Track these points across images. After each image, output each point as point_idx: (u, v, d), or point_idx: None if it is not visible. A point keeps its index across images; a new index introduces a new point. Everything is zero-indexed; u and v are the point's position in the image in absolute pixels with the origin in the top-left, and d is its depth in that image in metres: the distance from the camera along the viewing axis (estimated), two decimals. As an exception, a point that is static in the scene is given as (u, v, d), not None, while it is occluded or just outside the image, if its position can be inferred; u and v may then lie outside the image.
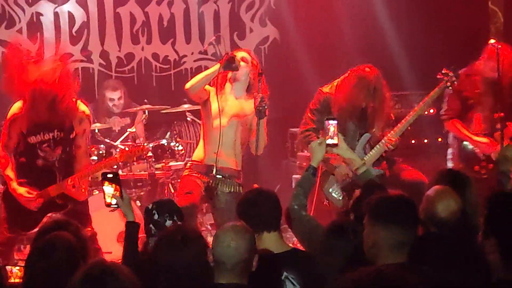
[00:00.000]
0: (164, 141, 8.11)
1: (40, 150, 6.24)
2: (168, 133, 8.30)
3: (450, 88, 6.87)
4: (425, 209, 4.32)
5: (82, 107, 6.35)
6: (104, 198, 4.78)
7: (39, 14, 9.27)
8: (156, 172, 8.02)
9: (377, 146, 6.69)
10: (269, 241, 4.40)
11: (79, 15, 9.36)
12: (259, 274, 3.89)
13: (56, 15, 9.32)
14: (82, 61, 9.41)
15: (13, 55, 6.43)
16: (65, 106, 6.16)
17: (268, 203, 4.52)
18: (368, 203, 3.99)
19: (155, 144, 8.04)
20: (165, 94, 9.22)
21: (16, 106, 6.25)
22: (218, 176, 6.50)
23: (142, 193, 8.14)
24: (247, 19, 9.85)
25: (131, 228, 4.69)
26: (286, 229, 5.20)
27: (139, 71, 9.62)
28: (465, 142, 7.25)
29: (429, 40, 9.48)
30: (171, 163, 8.03)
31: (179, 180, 7.18)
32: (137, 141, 8.12)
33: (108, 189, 4.75)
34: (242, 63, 6.51)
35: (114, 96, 8.52)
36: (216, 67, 6.50)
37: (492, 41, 7.41)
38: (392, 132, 6.70)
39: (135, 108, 8.39)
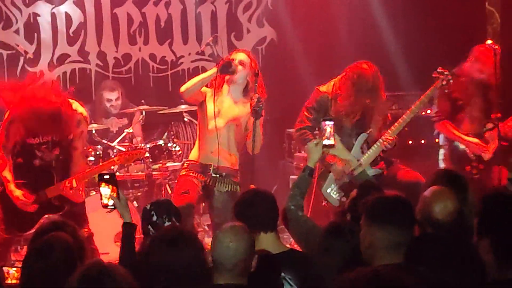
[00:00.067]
0: (161, 142, 8.10)
1: (37, 151, 6.24)
2: (165, 134, 8.29)
3: (446, 86, 6.92)
4: (422, 209, 4.32)
5: (80, 108, 6.35)
6: (101, 199, 4.77)
7: (36, 15, 9.26)
8: (153, 172, 8.02)
9: (375, 146, 6.71)
10: (266, 241, 4.40)
11: (76, 16, 9.36)
12: (258, 274, 3.90)
13: (53, 15, 9.32)
14: (79, 61, 9.40)
15: None
16: (65, 118, 6.18)
17: (265, 204, 4.52)
18: (365, 204, 3.99)
19: (152, 145, 8.04)
20: (162, 95, 9.22)
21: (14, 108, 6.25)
22: (215, 175, 6.51)
23: (139, 194, 8.13)
24: (244, 19, 9.85)
25: (128, 229, 4.68)
26: (283, 229, 5.20)
27: (136, 71, 9.61)
28: (455, 143, 7.32)
29: (426, 41, 9.49)
30: (168, 164, 8.03)
31: (176, 181, 7.19)
32: (134, 140, 8.12)
33: (105, 190, 4.74)
34: (239, 67, 6.52)
35: (112, 97, 8.52)
36: (212, 71, 6.51)
37: (489, 41, 7.44)
38: (389, 131, 6.72)
39: (132, 109, 8.39)
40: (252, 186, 5.91)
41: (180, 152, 8.20)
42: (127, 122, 8.50)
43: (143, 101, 8.32)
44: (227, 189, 6.53)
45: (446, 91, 7.16)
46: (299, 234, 4.96)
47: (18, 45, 8.86)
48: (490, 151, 7.25)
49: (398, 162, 7.00)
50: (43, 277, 3.69)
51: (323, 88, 6.89)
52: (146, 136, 8.60)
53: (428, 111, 7.88)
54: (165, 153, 8.06)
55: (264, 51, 9.90)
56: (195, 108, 6.98)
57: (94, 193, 7.43)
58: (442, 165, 7.46)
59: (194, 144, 6.96)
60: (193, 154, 6.68)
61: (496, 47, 7.28)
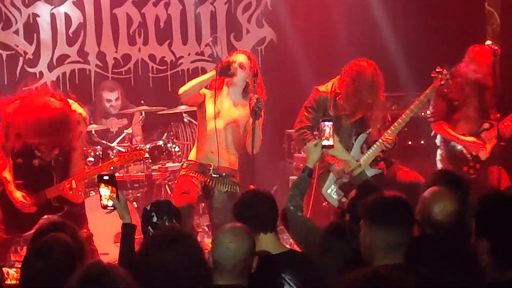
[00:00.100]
0: (160, 142, 8.11)
1: (37, 150, 6.23)
2: (165, 134, 8.30)
3: (445, 85, 6.94)
4: (421, 210, 4.32)
5: (79, 109, 6.36)
6: (101, 200, 4.77)
7: (35, 15, 9.26)
8: (153, 173, 8.02)
9: (374, 146, 6.71)
10: (265, 242, 4.40)
11: (76, 16, 9.35)
12: (259, 275, 3.90)
13: (53, 16, 9.31)
14: (78, 62, 9.40)
15: None
16: (66, 122, 6.18)
17: (265, 204, 4.52)
18: (364, 204, 3.99)
19: (151, 145, 8.04)
20: (161, 95, 9.22)
21: (12, 107, 6.24)
22: (215, 175, 6.51)
23: (138, 194, 8.14)
24: (244, 20, 9.85)
25: (127, 230, 4.68)
26: (283, 230, 5.20)
27: (136, 72, 9.61)
28: (452, 143, 7.34)
29: (426, 42, 9.49)
30: (168, 164, 8.04)
31: (175, 181, 7.19)
32: (134, 140, 8.12)
33: (104, 191, 4.74)
34: (239, 70, 6.52)
35: (111, 97, 8.52)
36: (210, 73, 6.53)
37: (488, 42, 7.45)
38: (388, 131, 6.72)
39: (132, 109, 8.39)
40: (252, 186, 5.91)
41: (180, 152, 8.21)
42: (127, 122, 8.51)
43: (142, 101, 8.33)
44: (226, 189, 6.54)
45: (445, 90, 7.19)
46: (298, 235, 4.96)
47: (17, 46, 8.86)
48: (487, 150, 7.27)
49: (397, 162, 7.00)
50: (43, 277, 3.69)
51: (322, 88, 6.89)
52: (146, 136, 8.61)
53: (428, 112, 7.88)
54: (164, 153, 8.07)
55: (263, 52, 9.89)
56: (194, 108, 6.98)
57: (94, 193, 7.43)
58: (439, 165, 7.49)
59: (193, 144, 6.97)
60: (193, 155, 6.69)
61: (496, 47, 7.30)
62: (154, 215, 4.64)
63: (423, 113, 7.54)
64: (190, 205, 6.37)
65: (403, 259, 3.80)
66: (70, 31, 9.36)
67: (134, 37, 9.54)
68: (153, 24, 9.59)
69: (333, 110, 6.77)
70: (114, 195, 4.70)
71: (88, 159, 7.52)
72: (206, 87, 6.59)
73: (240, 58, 6.60)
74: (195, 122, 7.78)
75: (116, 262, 4.52)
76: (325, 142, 5.25)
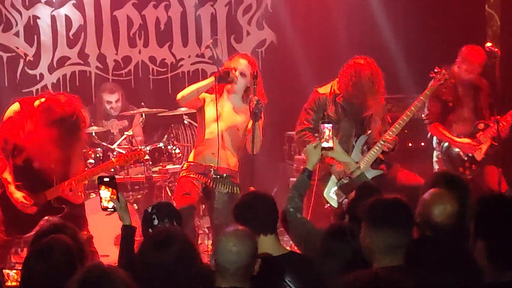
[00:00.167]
0: (161, 144, 8.11)
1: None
2: (165, 136, 8.30)
3: (444, 85, 6.95)
4: (421, 212, 4.32)
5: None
6: (101, 202, 4.77)
7: (36, 17, 9.27)
8: (153, 175, 8.01)
9: (375, 147, 6.71)
10: (266, 244, 4.39)
11: (76, 18, 9.36)
12: (261, 277, 3.90)
13: (53, 18, 9.32)
14: (79, 64, 9.41)
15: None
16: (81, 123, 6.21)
17: (265, 206, 4.52)
18: (364, 206, 3.99)
19: (152, 147, 8.05)
20: (162, 97, 9.21)
21: (12, 110, 6.25)
22: (215, 176, 6.52)
23: (139, 196, 8.14)
24: (244, 22, 9.85)
25: (127, 231, 4.68)
26: (283, 232, 5.20)
27: (136, 74, 9.62)
28: (447, 145, 7.36)
29: (426, 43, 9.50)
30: (168, 166, 8.04)
31: (176, 183, 7.19)
32: (134, 142, 8.13)
33: (105, 193, 4.74)
34: (240, 78, 6.52)
35: (112, 99, 8.52)
36: (209, 80, 6.54)
37: (488, 44, 7.46)
38: (389, 131, 6.73)
39: (132, 111, 8.40)
40: (252, 188, 5.91)
41: (180, 154, 8.21)
42: (127, 124, 8.51)
43: (143, 103, 8.33)
44: (227, 190, 6.55)
45: (444, 89, 7.20)
46: (298, 236, 4.96)
47: (18, 48, 8.86)
48: (482, 151, 7.28)
49: (398, 165, 7.00)
50: (43, 279, 3.69)
51: (321, 90, 6.90)
52: (146, 138, 8.61)
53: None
54: (165, 155, 8.08)
55: (264, 54, 9.90)
56: (195, 110, 6.99)
57: (94, 195, 7.43)
58: (436, 167, 7.52)
59: (193, 146, 6.97)
60: (193, 156, 6.69)
61: (496, 49, 7.31)
62: (155, 217, 4.63)
63: (423, 115, 7.56)
64: (191, 206, 6.39)
65: (403, 261, 3.80)
66: (71, 33, 9.36)
67: (134, 39, 9.55)
68: (153, 26, 9.59)
69: (333, 111, 6.77)
70: (115, 197, 4.71)
71: (88, 161, 7.53)
72: (206, 91, 6.59)
73: (241, 66, 6.57)
74: (195, 124, 7.79)
75: (116, 264, 4.52)
76: (324, 144, 5.25)
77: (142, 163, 7.94)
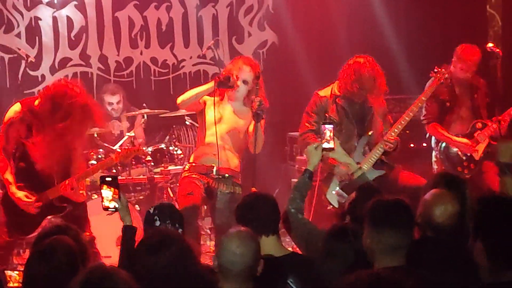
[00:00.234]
0: (163, 145, 8.12)
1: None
2: (167, 137, 8.30)
3: (444, 83, 6.98)
4: (422, 213, 4.32)
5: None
6: (102, 201, 4.77)
7: (37, 19, 9.28)
8: (155, 176, 8.02)
9: (377, 148, 6.71)
10: (267, 245, 4.39)
11: (78, 20, 9.37)
12: (264, 278, 3.90)
13: (55, 19, 9.33)
14: (80, 65, 9.41)
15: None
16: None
17: (266, 207, 4.52)
18: (365, 207, 4.00)
19: (154, 148, 8.05)
20: (163, 98, 9.21)
21: (13, 110, 6.25)
22: (217, 176, 6.52)
23: (141, 197, 8.14)
24: (246, 23, 9.86)
25: (128, 232, 4.68)
26: (285, 233, 5.20)
27: (138, 75, 9.63)
28: (443, 144, 7.38)
29: (427, 44, 9.50)
30: (170, 167, 8.04)
31: (178, 184, 7.19)
32: (135, 143, 8.12)
33: (106, 192, 4.73)
34: (242, 86, 6.52)
35: (113, 100, 8.52)
36: (209, 85, 6.54)
37: (490, 44, 7.47)
38: (390, 131, 6.74)
39: (134, 112, 8.40)
40: (254, 189, 5.92)
41: (182, 155, 8.21)
42: (129, 125, 8.51)
43: (144, 104, 8.34)
44: (229, 190, 6.55)
45: (444, 88, 7.22)
46: (299, 237, 4.96)
47: (19, 49, 8.86)
48: (480, 150, 7.29)
49: (400, 166, 7.01)
50: (45, 280, 3.69)
51: (321, 92, 6.90)
52: (148, 139, 8.61)
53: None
54: (167, 156, 8.08)
55: (265, 55, 9.91)
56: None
57: (96, 196, 7.43)
58: (434, 167, 7.54)
59: (195, 147, 6.97)
60: (196, 156, 6.70)
61: (497, 50, 7.32)
62: (157, 218, 4.62)
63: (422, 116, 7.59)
64: (195, 206, 6.40)
65: (405, 261, 3.80)
66: (72, 34, 9.37)
67: (136, 40, 9.56)
68: (155, 27, 9.60)
69: (334, 112, 6.76)
70: (116, 197, 4.70)
71: (90, 162, 7.52)
72: (208, 94, 6.60)
73: (244, 74, 6.56)
74: (197, 125, 7.77)
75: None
76: (325, 145, 5.26)
77: (144, 164, 7.95)
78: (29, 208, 6.17)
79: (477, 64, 7.31)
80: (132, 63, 9.59)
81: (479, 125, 7.36)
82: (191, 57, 9.72)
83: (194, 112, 7.05)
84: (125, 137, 8.16)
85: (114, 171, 7.72)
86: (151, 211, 4.68)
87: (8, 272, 4.75)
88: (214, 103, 6.51)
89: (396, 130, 6.73)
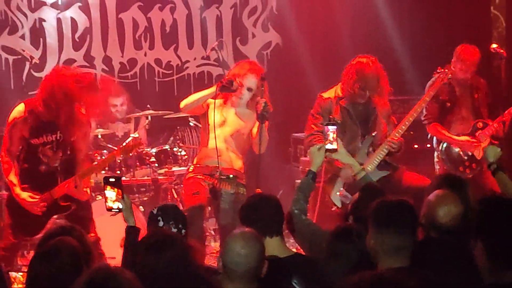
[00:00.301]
0: (167, 146, 8.13)
1: (42, 155, 6.23)
2: (171, 138, 8.31)
3: (447, 83, 6.99)
4: (426, 214, 4.32)
5: (83, 110, 6.36)
6: (106, 202, 4.77)
7: (41, 20, 9.29)
8: (159, 177, 8.03)
9: (381, 149, 6.71)
10: (271, 246, 4.40)
11: (82, 21, 9.38)
12: (269, 279, 3.90)
13: (59, 21, 9.34)
14: (85, 66, 9.42)
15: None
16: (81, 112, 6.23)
17: (270, 208, 4.52)
18: (369, 208, 4.00)
19: (158, 149, 8.06)
20: (167, 100, 9.22)
21: (17, 110, 6.26)
22: (222, 177, 6.53)
23: (145, 199, 8.15)
24: (250, 24, 9.86)
25: (131, 232, 4.69)
26: (289, 234, 5.21)
27: (142, 76, 9.63)
28: (445, 144, 7.38)
29: (431, 45, 9.49)
30: (174, 168, 8.05)
31: (182, 185, 7.19)
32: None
33: (110, 193, 4.74)
34: (246, 93, 6.53)
35: (117, 102, 8.53)
36: (211, 90, 6.55)
37: (494, 45, 7.47)
38: (394, 132, 6.74)
39: (138, 114, 8.41)
40: (258, 190, 5.92)
41: (186, 156, 8.22)
42: (133, 127, 8.52)
43: (148, 105, 8.35)
44: (233, 191, 6.57)
45: (446, 88, 7.23)
46: (303, 238, 4.97)
47: (24, 50, 8.87)
48: (481, 149, 7.29)
49: (404, 167, 7.00)
50: (49, 280, 3.70)
51: (325, 94, 6.91)
52: (152, 141, 8.62)
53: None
54: (171, 157, 8.10)
55: (269, 56, 9.91)
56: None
57: (100, 198, 7.44)
58: (436, 167, 7.55)
59: (199, 148, 6.98)
60: (200, 157, 6.71)
61: (502, 51, 7.31)
62: (161, 219, 4.62)
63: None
64: (201, 206, 6.43)
65: (409, 262, 3.80)
66: (76, 35, 9.39)
67: (140, 41, 9.57)
68: (159, 28, 9.61)
69: (338, 114, 6.76)
70: (120, 197, 4.71)
71: (94, 163, 7.53)
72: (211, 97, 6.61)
73: (249, 82, 6.57)
74: (200, 126, 7.80)
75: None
76: (328, 146, 5.26)
77: (148, 165, 7.95)
78: (34, 209, 6.18)
79: (476, 64, 7.31)
80: (136, 64, 9.60)
81: (480, 124, 7.36)
82: (195, 59, 9.72)
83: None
84: (129, 138, 8.16)
85: (118, 172, 7.73)
86: (155, 211, 4.68)
87: (13, 274, 4.75)
88: (214, 108, 6.51)
89: (400, 131, 6.74)
